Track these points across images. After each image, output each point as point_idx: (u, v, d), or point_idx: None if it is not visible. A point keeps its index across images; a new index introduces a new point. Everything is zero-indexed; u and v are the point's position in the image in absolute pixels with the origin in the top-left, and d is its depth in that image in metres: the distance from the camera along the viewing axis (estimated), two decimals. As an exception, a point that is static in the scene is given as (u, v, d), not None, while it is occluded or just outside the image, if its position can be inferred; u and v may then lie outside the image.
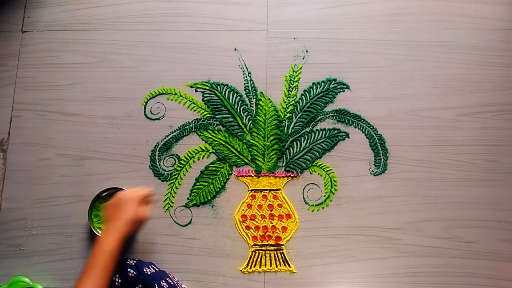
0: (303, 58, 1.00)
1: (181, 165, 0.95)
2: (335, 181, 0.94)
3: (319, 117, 0.97)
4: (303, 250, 0.91)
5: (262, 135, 0.96)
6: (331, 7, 1.02)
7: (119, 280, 0.71)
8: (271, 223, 0.92)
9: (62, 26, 1.03)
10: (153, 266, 0.78)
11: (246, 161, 0.95)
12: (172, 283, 0.76)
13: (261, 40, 1.01)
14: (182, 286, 0.82)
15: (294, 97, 0.98)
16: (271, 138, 0.96)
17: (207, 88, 0.99)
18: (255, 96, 0.98)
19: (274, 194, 0.94)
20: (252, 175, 0.95)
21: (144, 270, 0.74)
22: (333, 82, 0.98)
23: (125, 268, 0.73)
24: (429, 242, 0.91)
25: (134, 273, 0.72)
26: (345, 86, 0.98)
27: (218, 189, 0.94)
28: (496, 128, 0.95)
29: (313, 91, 0.98)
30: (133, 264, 0.74)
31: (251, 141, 0.96)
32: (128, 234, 0.73)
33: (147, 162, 0.95)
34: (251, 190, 0.94)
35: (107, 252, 0.69)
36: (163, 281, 0.74)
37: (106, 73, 1.00)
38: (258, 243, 0.92)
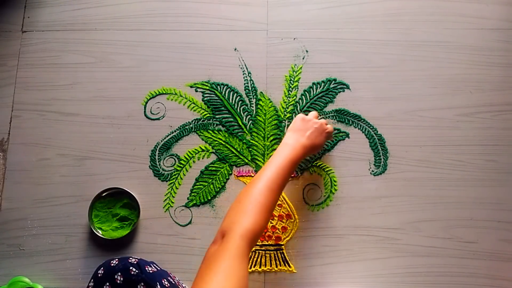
0: (303, 58, 1.00)
1: (181, 165, 0.95)
2: (335, 181, 0.94)
3: (319, 117, 0.97)
4: (303, 250, 0.91)
5: (262, 135, 0.96)
6: (331, 7, 1.02)
7: (121, 279, 0.71)
8: (271, 223, 0.92)
9: (62, 26, 1.03)
10: (154, 265, 0.78)
11: (246, 161, 0.95)
12: (173, 282, 0.76)
13: (261, 40, 1.01)
14: (184, 285, 0.82)
15: (294, 97, 0.98)
16: (271, 138, 0.96)
17: (207, 88, 0.99)
18: (255, 96, 0.98)
19: (274, 194, 0.93)
20: (252, 175, 0.95)
21: (146, 268, 0.74)
22: (333, 82, 0.98)
23: (127, 267, 0.73)
24: (429, 242, 0.91)
25: (137, 271, 0.72)
26: (345, 86, 0.98)
27: (218, 189, 0.94)
28: (496, 128, 0.95)
29: (313, 91, 0.98)
30: (135, 262, 0.74)
31: (251, 141, 0.96)
32: (307, 153, 0.81)
33: (147, 162, 0.95)
34: (251, 190, 0.94)
35: (290, 158, 0.76)
36: (165, 280, 0.74)
37: (106, 73, 1.00)
38: (258, 243, 0.92)
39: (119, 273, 0.72)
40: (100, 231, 0.90)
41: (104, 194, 0.92)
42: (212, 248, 0.65)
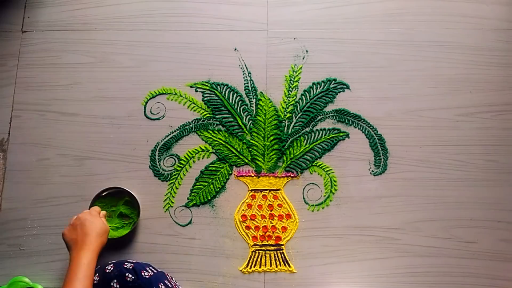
0: (303, 58, 1.00)
1: (181, 165, 0.95)
2: (335, 181, 0.94)
3: (319, 117, 0.97)
4: (303, 250, 0.91)
5: (262, 135, 0.96)
6: (331, 7, 1.02)
7: (117, 286, 0.71)
8: (271, 223, 0.92)
9: (62, 26, 1.03)
10: (151, 267, 0.77)
11: (246, 161, 0.95)
12: (170, 286, 0.75)
13: (261, 40, 1.01)
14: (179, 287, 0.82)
15: (294, 97, 0.98)
16: (271, 138, 0.96)
17: (207, 88, 0.99)
18: (255, 96, 0.98)
19: (274, 194, 0.94)
20: (252, 175, 0.95)
21: (143, 273, 0.73)
22: (333, 82, 0.98)
23: (123, 273, 0.72)
24: (429, 242, 0.91)
25: (132, 277, 0.71)
26: (345, 86, 0.98)
27: (218, 189, 0.94)
28: (496, 128, 0.95)
29: (313, 91, 0.98)
30: (131, 268, 0.73)
31: (251, 141, 0.96)
32: (101, 246, 0.76)
33: (147, 162, 0.95)
34: (251, 190, 0.94)
35: (85, 265, 0.69)
36: (161, 283, 0.73)
37: (106, 73, 1.00)
38: (258, 243, 0.92)
39: (115, 280, 0.71)
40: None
41: (104, 194, 0.92)
42: None
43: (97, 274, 0.73)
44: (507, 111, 0.96)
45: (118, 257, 0.90)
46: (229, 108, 0.97)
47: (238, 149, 0.96)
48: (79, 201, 0.94)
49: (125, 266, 0.73)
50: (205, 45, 1.01)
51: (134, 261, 0.76)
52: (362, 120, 0.96)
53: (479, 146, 0.95)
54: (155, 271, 0.77)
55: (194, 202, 0.94)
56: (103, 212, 0.86)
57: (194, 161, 0.95)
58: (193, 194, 0.94)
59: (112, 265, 0.74)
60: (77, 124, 0.97)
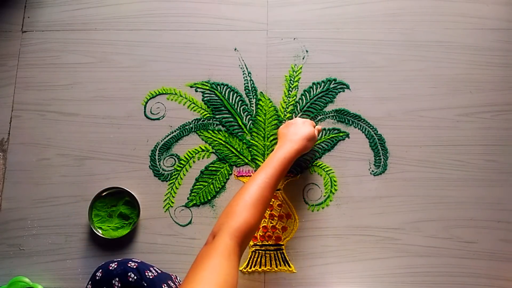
0: (303, 58, 1.00)
1: (181, 165, 0.95)
2: (335, 181, 0.94)
3: (319, 117, 0.97)
4: (303, 250, 0.91)
5: (262, 135, 0.96)
6: (331, 7, 1.02)
7: (119, 285, 0.71)
8: (271, 223, 0.92)
9: (62, 26, 1.03)
10: (155, 268, 0.77)
11: (246, 161, 0.95)
12: (173, 286, 0.75)
13: (261, 40, 1.01)
14: None
15: (294, 97, 0.98)
16: (271, 138, 0.96)
17: (207, 88, 0.99)
18: (255, 96, 0.98)
19: (274, 194, 0.94)
20: (252, 175, 0.95)
21: (146, 273, 0.73)
22: (333, 82, 0.98)
23: (126, 272, 0.72)
24: (429, 242, 0.91)
25: (135, 277, 0.71)
26: (345, 86, 0.98)
27: (218, 189, 0.94)
28: (496, 128, 0.95)
29: (313, 91, 0.98)
30: (134, 267, 0.73)
31: (251, 141, 0.96)
32: (303, 149, 0.82)
33: (147, 162, 0.95)
34: (251, 190, 0.94)
35: (281, 158, 0.77)
36: (165, 284, 0.73)
37: (106, 73, 1.00)
38: (258, 243, 0.92)
39: (117, 278, 0.71)
40: (100, 231, 0.90)
41: (104, 194, 0.92)
42: (203, 248, 0.67)
43: (100, 270, 0.73)
44: (507, 111, 0.96)
45: (118, 257, 0.90)
46: (229, 108, 0.97)
47: (238, 149, 0.96)
48: (79, 201, 0.94)
49: (129, 265, 0.73)
50: (205, 45, 1.01)
51: (139, 261, 0.76)
52: (362, 120, 0.96)
53: (479, 146, 0.95)
54: (159, 272, 0.76)
55: (194, 202, 0.94)
56: (319, 128, 0.92)
57: (194, 161, 0.95)
58: (193, 194, 0.94)
59: (116, 263, 0.74)
60: (77, 124, 0.97)
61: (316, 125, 0.94)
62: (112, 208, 0.92)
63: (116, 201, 0.92)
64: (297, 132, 0.84)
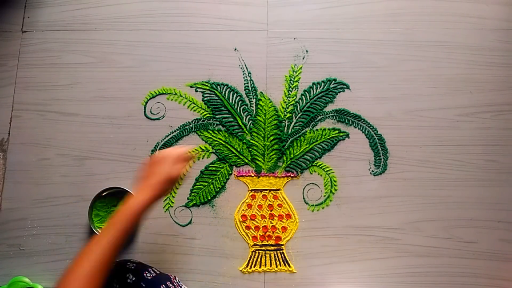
0: (303, 58, 1.00)
1: (181, 165, 0.95)
2: (335, 181, 0.94)
3: (319, 117, 0.97)
4: (303, 250, 0.91)
5: (262, 135, 0.96)
6: (331, 7, 1.02)
7: (117, 286, 0.70)
8: (271, 223, 0.92)
9: (62, 26, 1.03)
10: (154, 269, 0.77)
11: (246, 161, 0.95)
12: (172, 287, 0.75)
13: (261, 40, 1.01)
14: (183, 287, 0.82)
15: (294, 97, 0.98)
16: (271, 138, 0.96)
17: (207, 88, 0.99)
18: (255, 96, 0.98)
19: (274, 194, 0.94)
20: (252, 175, 0.95)
21: (145, 275, 0.72)
22: (333, 82, 0.98)
23: (124, 273, 0.71)
24: (429, 242, 0.91)
25: (134, 278, 0.71)
26: (345, 86, 0.98)
27: (218, 189, 0.94)
28: (496, 128, 0.95)
29: (313, 91, 0.98)
30: (133, 267, 0.73)
31: (251, 141, 0.96)
32: (161, 193, 0.68)
33: (147, 162, 0.95)
34: (251, 190, 0.94)
35: (131, 209, 0.63)
36: (163, 285, 0.73)
37: (106, 73, 1.00)
38: (258, 243, 0.92)
39: (115, 280, 0.70)
40: (100, 231, 0.90)
41: (104, 194, 0.92)
42: None
43: None
44: (507, 111, 0.96)
45: (118, 257, 0.90)
46: (229, 108, 0.97)
47: (238, 149, 0.96)
48: (79, 201, 0.94)
49: (128, 266, 0.73)
50: (205, 45, 1.01)
51: (137, 262, 0.76)
52: (362, 120, 0.96)
53: (479, 146, 0.95)
54: (158, 273, 0.76)
55: (194, 202, 0.94)
56: (188, 155, 0.75)
57: (194, 161, 0.95)
58: (193, 194, 0.94)
59: (114, 264, 0.74)
60: (77, 124, 0.97)
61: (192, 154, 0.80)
62: (112, 208, 0.92)
63: (117, 201, 0.92)
64: (156, 171, 0.69)
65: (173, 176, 0.70)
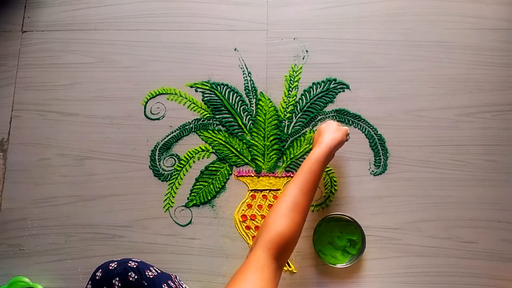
0: (303, 58, 1.00)
1: (181, 165, 0.95)
2: (335, 181, 0.94)
3: (319, 117, 0.97)
4: (303, 250, 0.91)
5: (262, 135, 0.96)
6: (331, 7, 1.02)
7: (119, 284, 0.70)
8: (271, 223, 0.92)
9: (62, 26, 1.03)
10: (155, 268, 0.77)
11: (246, 161, 0.95)
12: (173, 286, 0.75)
13: (261, 40, 1.01)
14: (184, 286, 0.82)
15: (294, 97, 0.98)
16: (271, 138, 0.96)
17: (207, 88, 0.99)
18: (255, 96, 0.98)
19: (274, 194, 0.94)
20: (252, 175, 0.95)
21: (146, 273, 0.73)
22: (333, 82, 0.98)
23: (126, 271, 0.72)
24: (429, 242, 0.91)
25: (136, 277, 0.71)
26: (345, 86, 0.98)
27: (218, 189, 0.94)
28: (496, 128, 0.95)
29: (313, 91, 0.98)
30: (134, 266, 0.73)
31: (251, 141, 0.96)
32: (335, 142, 0.81)
33: (147, 162, 0.95)
34: (251, 190, 0.94)
35: (313, 160, 0.76)
36: (165, 284, 0.73)
37: (106, 73, 1.00)
38: (258, 243, 0.91)
39: (117, 278, 0.70)
40: (320, 254, 0.88)
41: (328, 218, 0.90)
42: (242, 264, 0.68)
43: (100, 270, 0.73)
44: (507, 111, 0.96)
45: (118, 257, 0.90)
46: (229, 108, 0.97)
47: (238, 149, 0.96)
48: (79, 201, 0.94)
49: (129, 265, 0.73)
50: (205, 45, 1.01)
51: (139, 260, 0.76)
52: (362, 120, 0.96)
53: (479, 146, 0.95)
54: (159, 271, 0.76)
55: (194, 202, 0.94)
56: (348, 137, 0.88)
57: (194, 161, 0.95)
58: (193, 194, 0.94)
59: (116, 262, 0.74)
60: (77, 124, 0.97)
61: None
62: (333, 234, 0.89)
63: (341, 230, 0.90)
64: (321, 132, 0.84)
65: (342, 141, 0.84)
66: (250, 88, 0.98)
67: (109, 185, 0.94)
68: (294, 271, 0.90)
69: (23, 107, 0.99)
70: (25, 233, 0.93)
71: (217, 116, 0.97)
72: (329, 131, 0.83)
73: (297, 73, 0.99)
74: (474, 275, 0.90)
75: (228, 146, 0.96)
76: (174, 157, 0.96)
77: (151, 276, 0.72)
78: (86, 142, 0.97)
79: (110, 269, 0.72)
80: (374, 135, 0.96)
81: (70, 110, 0.98)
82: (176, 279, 0.81)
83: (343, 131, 0.85)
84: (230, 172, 0.95)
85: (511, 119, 0.96)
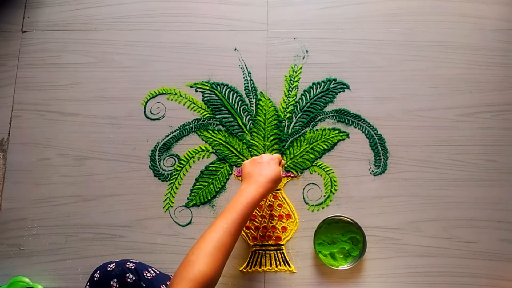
0: (303, 58, 1.00)
1: (181, 165, 0.95)
2: (335, 181, 0.94)
3: (319, 117, 0.97)
4: (303, 250, 0.91)
5: (262, 135, 0.96)
6: (331, 7, 1.02)
7: (117, 286, 0.70)
8: (271, 223, 0.92)
9: (62, 26, 1.03)
10: (154, 269, 0.77)
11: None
12: None
13: (261, 40, 1.01)
14: None
15: (294, 97, 0.98)
16: (271, 138, 0.96)
17: (207, 88, 0.99)
18: (255, 96, 0.98)
19: (274, 194, 0.94)
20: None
21: (145, 274, 0.72)
22: (333, 82, 0.98)
23: (124, 273, 0.71)
24: (429, 242, 0.91)
25: (134, 278, 0.71)
26: (345, 86, 0.98)
27: (218, 189, 0.94)
28: (496, 128, 0.95)
29: (313, 91, 0.98)
30: (133, 267, 0.73)
31: (251, 141, 0.96)
32: (268, 192, 0.78)
33: (147, 162, 0.95)
34: (251, 190, 0.94)
35: (245, 202, 0.73)
36: (163, 285, 0.73)
37: (106, 73, 1.00)
38: (258, 243, 0.92)
39: (115, 279, 0.70)
40: (320, 255, 0.88)
41: (328, 220, 0.89)
42: None
43: (98, 272, 0.73)
44: (507, 111, 0.96)
45: (118, 257, 0.90)
46: (229, 108, 0.97)
47: (238, 149, 0.96)
48: (79, 201, 0.94)
49: (127, 266, 0.73)
50: (205, 45, 1.01)
51: (137, 261, 0.76)
52: (362, 120, 0.96)
53: (479, 146, 0.95)
54: (157, 272, 0.76)
55: (194, 202, 0.94)
56: (283, 162, 0.89)
57: (194, 161, 0.95)
58: (193, 194, 0.94)
59: (114, 264, 0.74)
60: (77, 124, 0.97)
61: (283, 159, 0.90)
62: (334, 236, 0.90)
63: (342, 232, 0.90)
64: (262, 173, 0.79)
65: (278, 177, 0.80)
66: (250, 88, 0.98)
67: (109, 185, 0.94)
68: (294, 271, 0.90)
69: (23, 107, 0.99)
70: (25, 233, 0.93)
71: (217, 116, 0.97)
72: (265, 168, 0.80)
73: (297, 73, 0.99)
74: (474, 275, 0.90)
75: (228, 146, 0.96)
76: (174, 157, 0.96)
77: (149, 277, 0.72)
78: (86, 142, 0.97)
79: (108, 271, 0.72)
80: (374, 135, 0.96)
81: (70, 110, 0.98)
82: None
83: (277, 163, 0.82)
84: (230, 172, 0.95)
85: (511, 119, 0.96)
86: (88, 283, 0.72)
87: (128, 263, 0.74)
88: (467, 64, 0.98)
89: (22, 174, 0.95)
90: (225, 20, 1.02)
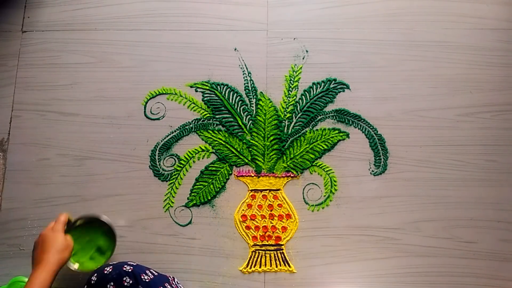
0: (303, 58, 1.00)
1: (181, 165, 0.95)
2: (335, 181, 0.94)
3: (319, 117, 0.97)
4: (303, 250, 0.91)
5: (262, 135, 0.96)
6: (331, 7, 1.02)
7: None
8: (271, 223, 0.92)
9: (62, 26, 1.03)
10: (151, 271, 0.76)
11: (246, 161, 0.95)
12: None
13: (261, 40, 1.01)
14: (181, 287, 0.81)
15: (294, 97, 0.98)
16: (271, 138, 0.96)
17: (207, 88, 0.99)
18: (255, 96, 0.98)
19: (274, 194, 0.94)
20: (252, 175, 0.95)
21: (142, 277, 0.71)
22: (333, 82, 0.98)
23: (121, 276, 0.71)
24: (429, 242, 0.91)
25: (131, 281, 0.70)
26: (345, 86, 0.98)
27: (218, 189, 0.94)
28: (496, 128, 0.95)
29: (313, 91, 0.98)
30: (130, 270, 0.72)
31: (251, 141, 0.96)
32: (59, 263, 0.73)
33: (147, 162, 0.95)
34: (251, 190, 0.94)
35: (37, 286, 0.67)
36: (161, 287, 0.73)
37: (106, 73, 1.00)
38: (258, 243, 0.92)
39: (112, 283, 0.70)
40: (75, 265, 0.84)
41: (78, 223, 0.85)
42: None
43: (95, 274, 0.72)
44: (507, 111, 0.96)
45: (118, 257, 0.90)
46: (229, 108, 0.97)
47: (238, 149, 0.96)
48: (79, 201, 0.94)
49: (124, 269, 0.72)
50: (205, 45, 1.01)
51: (135, 264, 0.75)
52: (362, 120, 0.96)
53: (479, 146, 0.95)
54: (155, 274, 0.76)
55: (194, 202, 0.94)
56: (64, 219, 0.81)
57: (194, 161, 0.95)
58: (193, 194, 0.94)
59: (111, 266, 0.73)
60: (77, 124, 0.97)
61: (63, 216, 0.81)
62: (87, 238, 0.86)
63: (93, 232, 0.86)
64: (45, 249, 0.73)
65: (63, 244, 0.75)
66: (250, 88, 0.98)
67: (109, 185, 0.94)
68: (294, 271, 0.90)
69: (23, 107, 0.99)
70: (25, 233, 0.93)
71: (217, 116, 0.97)
72: (53, 246, 0.74)
73: (297, 73, 0.99)
74: (474, 275, 0.90)
75: (228, 146, 0.96)
76: (174, 157, 0.96)
77: (146, 280, 0.72)
78: (86, 142, 0.97)
79: (105, 274, 0.71)
80: (374, 135, 0.96)
81: (70, 110, 0.98)
82: (174, 281, 0.80)
83: (69, 245, 0.77)
84: (230, 172, 0.95)
85: (511, 119, 0.96)
86: (86, 286, 0.72)
87: (125, 266, 0.73)
88: (467, 64, 0.98)
89: (22, 174, 0.95)
90: (225, 20, 1.02)
